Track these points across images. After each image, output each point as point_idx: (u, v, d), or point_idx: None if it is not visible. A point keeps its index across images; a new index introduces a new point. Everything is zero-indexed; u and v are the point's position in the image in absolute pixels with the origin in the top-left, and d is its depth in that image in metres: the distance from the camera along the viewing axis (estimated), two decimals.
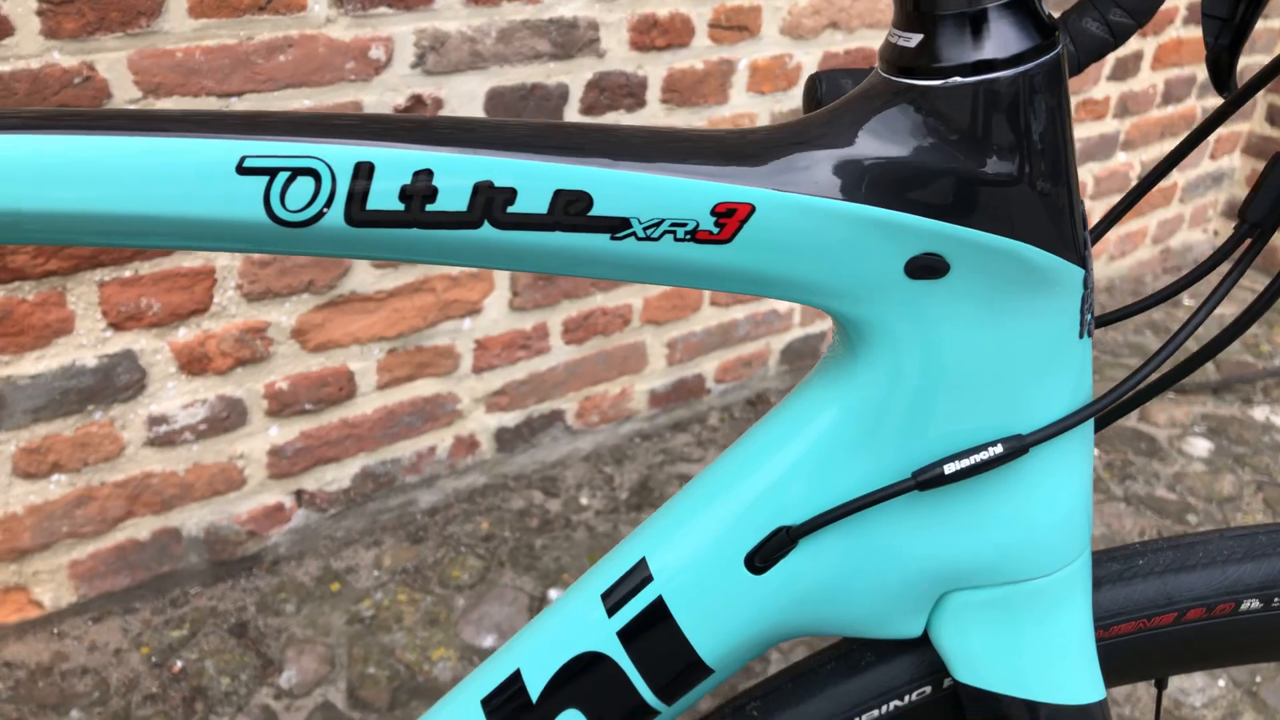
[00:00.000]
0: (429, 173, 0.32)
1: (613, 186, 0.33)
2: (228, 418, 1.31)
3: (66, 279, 1.13)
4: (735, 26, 1.51)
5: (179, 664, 1.26)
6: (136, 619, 1.33)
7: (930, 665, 0.40)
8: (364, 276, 1.33)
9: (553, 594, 1.41)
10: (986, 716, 0.39)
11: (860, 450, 0.35)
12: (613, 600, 0.38)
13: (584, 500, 1.61)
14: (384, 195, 0.32)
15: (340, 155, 0.32)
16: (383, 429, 1.45)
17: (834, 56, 1.63)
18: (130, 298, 1.18)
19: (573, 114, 1.42)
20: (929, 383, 0.34)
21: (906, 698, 0.40)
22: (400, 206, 0.32)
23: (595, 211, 0.33)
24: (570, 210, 0.33)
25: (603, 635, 0.37)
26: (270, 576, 1.41)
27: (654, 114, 1.49)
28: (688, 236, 0.33)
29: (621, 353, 1.66)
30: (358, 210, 0.32)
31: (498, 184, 0.32)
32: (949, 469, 0.35)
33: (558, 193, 0.33)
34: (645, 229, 0.33)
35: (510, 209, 0.33)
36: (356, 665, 1.27)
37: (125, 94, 1.08)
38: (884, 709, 0.40)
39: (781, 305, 1.83)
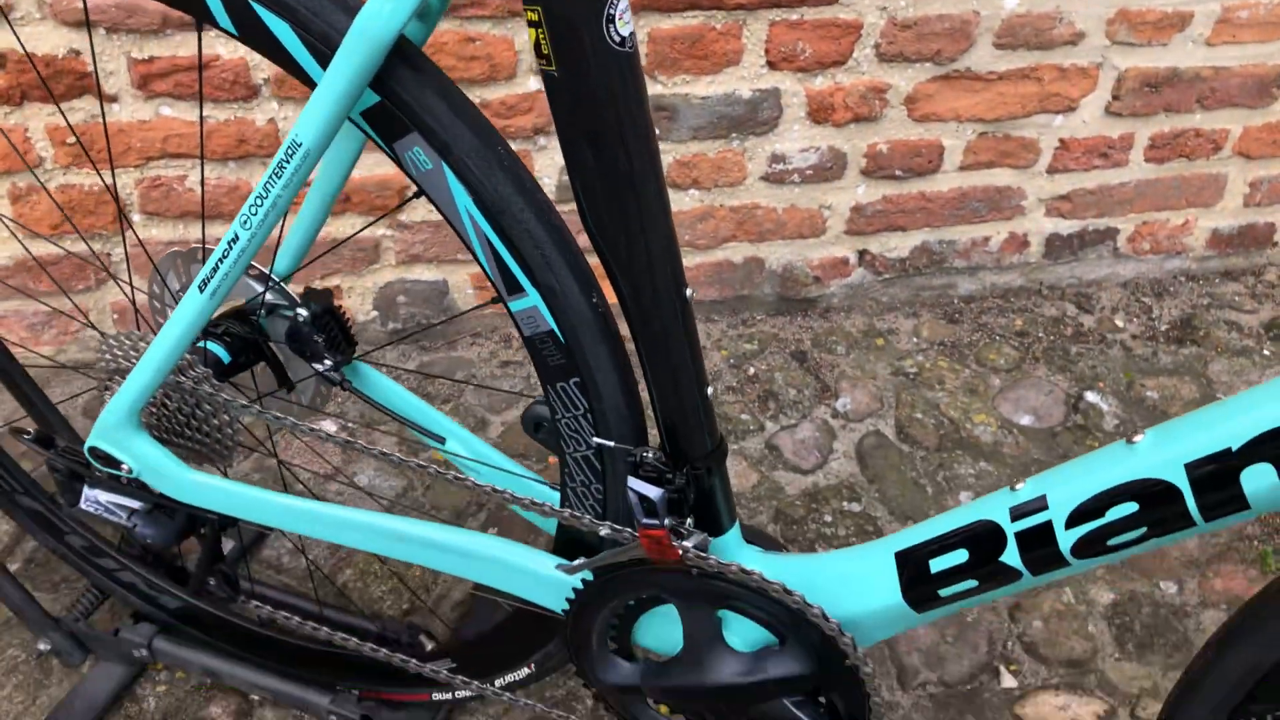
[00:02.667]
0: None
1: None
2: (830, 168, 1.44)
3: (749, 14, 1.28)
4: None
5: (752, 369, 1.47)
6: (715, 327, 1.55)
7: None
8: (983, 54, 1.37)
9: (1090, 396, 1.43)
10: None
11: None
12: None
13: (1119, 322, 1.59)
14: None
15: None
16: (952, 209, 1.52)
17: None
18: (789, 39, 1.31)
19: None
20: None
21: None
22: None
23: None
24: None
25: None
26: (822, 320, 1.57)
27: None
28: None
29: (1198, 182, 1.57)
30: None
31: None
32: None
33: None
34: None
35: None
36: (904, 409, 1.40)
37: None
38: None
39: None
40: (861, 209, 1.49)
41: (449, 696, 0.92)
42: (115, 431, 0.73)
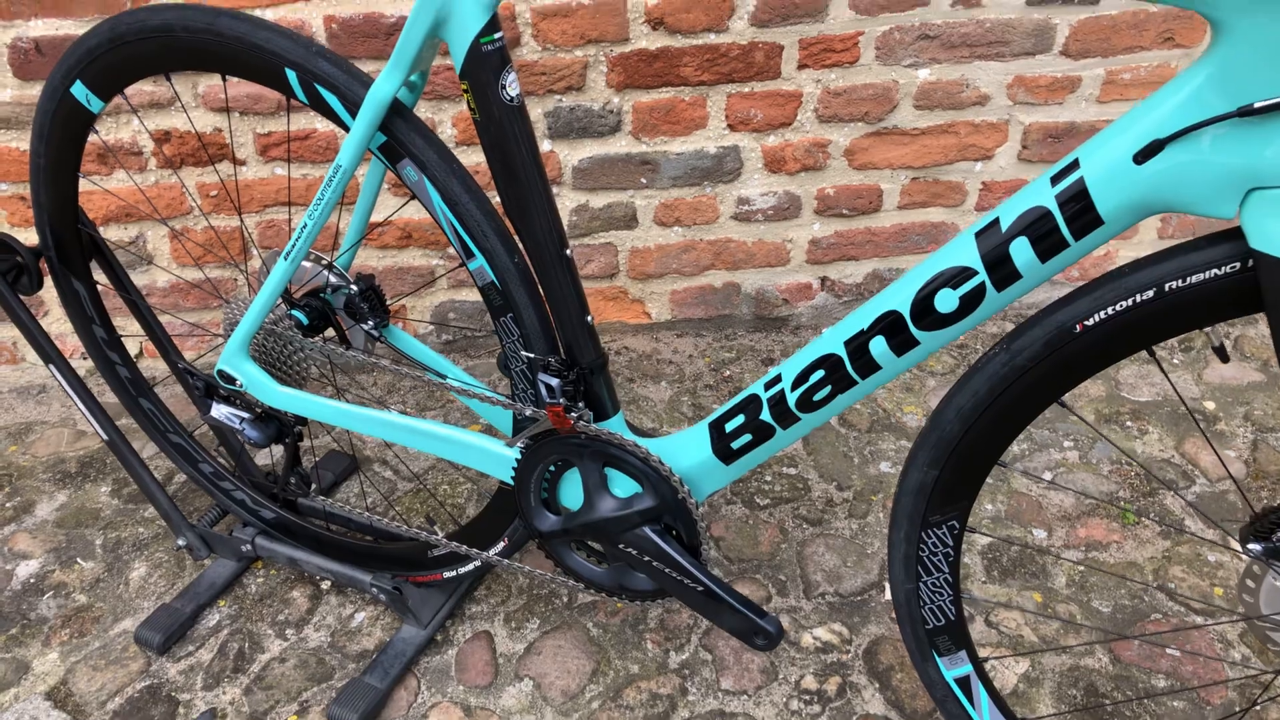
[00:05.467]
0: None
1: None
2: (788, 209, 1.79)
3: (709, 89, 1.66)
4: None
5: (728, 372, 1.81)
6: (703, 341, 1.90)
7: (1235, 250, 0.66)
8: (906, 114, 1.71)
9: None
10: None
11: (1213, 91, 0.64)
12: (1059, 180, 0.71)
13: None
14: None
15: None
16: (895, 241, 1.84)
17: None
18: (744, 107, 1.69)
19: None
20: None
21: (1207, 273, 0.67)
22: None
23: None
24: None
25: (1046, 196, 0.72)
26: (792, 336, 1.91)
27: None
28: None
29: None
30: None
31: None
32: (1257, 104, 0.62)
33: None
34: None
35: None
36: None
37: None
38: (1185, 280, 0.68)
39: None
40: (818, 242, 1.83)
41: (455, 573, 1.27)
42: (233, 358, 1.13)
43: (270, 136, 1.64)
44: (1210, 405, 1.67)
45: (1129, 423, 1.64)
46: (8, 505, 1.55)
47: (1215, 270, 0.69)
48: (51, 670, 1.28)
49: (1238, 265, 0.68)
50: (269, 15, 1.53)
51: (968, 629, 0.98)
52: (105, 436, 1.32)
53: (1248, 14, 0.62)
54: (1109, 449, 1.59)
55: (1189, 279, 0.70)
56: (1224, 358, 0.75)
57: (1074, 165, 0.72)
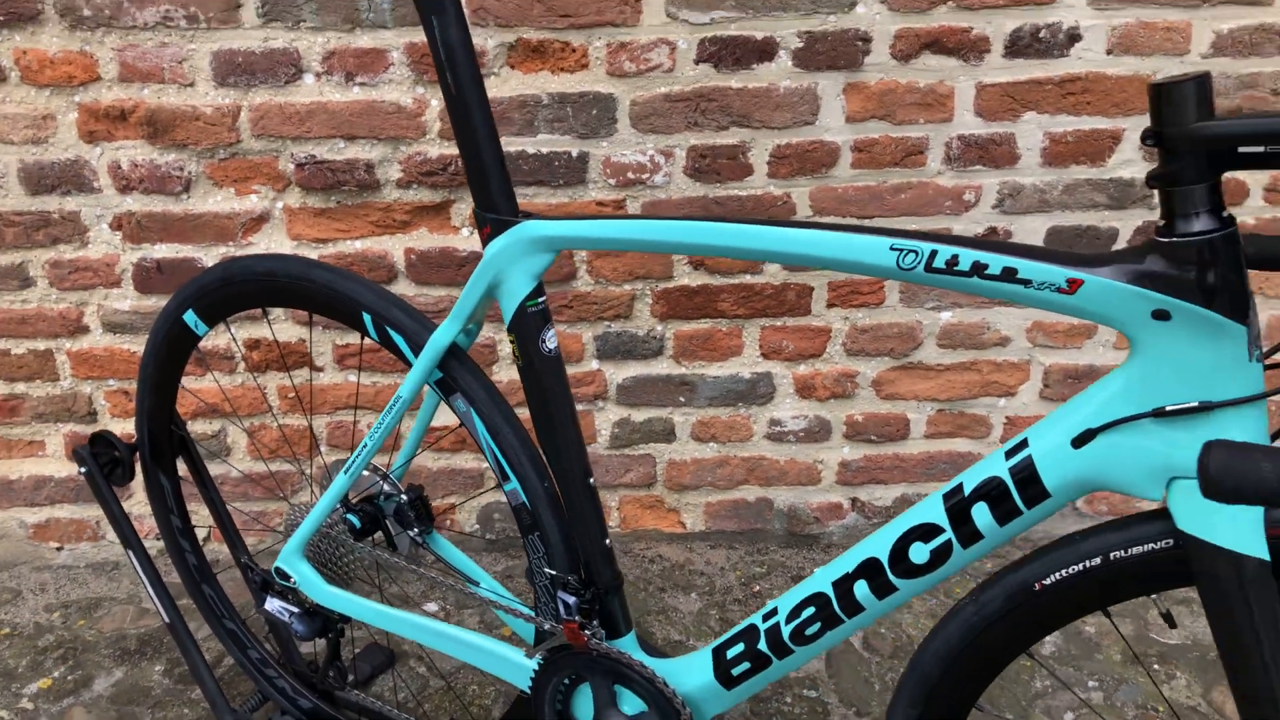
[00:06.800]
0: (955, 257, 0.80)
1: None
2: (818, 432, 1.90)
3: (745, 321, 1.82)
4: None
5: (757, 587, 1.87)
6: (734, 553, 1.97)
7: (1168, 528, 0.74)
8: (930, 352, 1.84)
9: None
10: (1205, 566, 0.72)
11: (1134, 392, 0.74)
12: (1011, 456, 0.81)
13: None
14: (940, 261, 0.81)
15: (927, 248, 0.81)
16: (923, 468, 1.92)
17: None
18: (777, 339, 1.83)
19: None
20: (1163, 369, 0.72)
21: (1146, 546, 0.75)
22: (943, 266, 0.81)
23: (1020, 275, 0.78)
24: (990, 273, 0.78)
25: (1001, 468, 0.81)
26: (824, 554, 1.97)
27: None
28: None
29: None
30: (927, 268, 0.82)
31: (983, 262, 0.79)
32: (1168, 408, 0.72)
33: (1005, 268, 0.78)
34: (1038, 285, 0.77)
35: (987, 272, 0.79)
36: (874, 624, 1.75)
37: (802, 212, 1.74)
38: (1128, 551, 0.76)
39: None
40: (848, 464, 1.92)
41: None
42: (290, 557, 1.25)
43: (347, 348, 1.83)
44: None
45: (1156, 665, 1.64)
46: (69, 678, 1.66)
47: (1152, 544, 0.77)
48: None
49: (1171, 541, 0.76)
50: (358, 246, 1.75)
51: None
52: (168, 620, 1.43)
53: (1155, 335, 0.73)
54: (1135, 692, 1.58)
55: (1130, 550, 0.78)
56: (1171, 624, 0.82)
57: (1024, 444, 0.81)
